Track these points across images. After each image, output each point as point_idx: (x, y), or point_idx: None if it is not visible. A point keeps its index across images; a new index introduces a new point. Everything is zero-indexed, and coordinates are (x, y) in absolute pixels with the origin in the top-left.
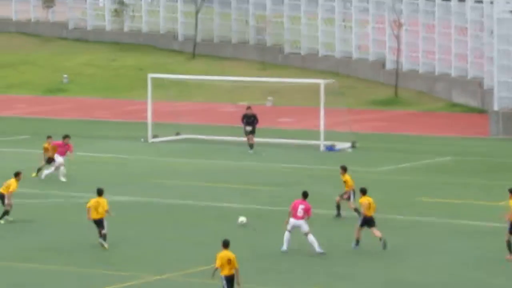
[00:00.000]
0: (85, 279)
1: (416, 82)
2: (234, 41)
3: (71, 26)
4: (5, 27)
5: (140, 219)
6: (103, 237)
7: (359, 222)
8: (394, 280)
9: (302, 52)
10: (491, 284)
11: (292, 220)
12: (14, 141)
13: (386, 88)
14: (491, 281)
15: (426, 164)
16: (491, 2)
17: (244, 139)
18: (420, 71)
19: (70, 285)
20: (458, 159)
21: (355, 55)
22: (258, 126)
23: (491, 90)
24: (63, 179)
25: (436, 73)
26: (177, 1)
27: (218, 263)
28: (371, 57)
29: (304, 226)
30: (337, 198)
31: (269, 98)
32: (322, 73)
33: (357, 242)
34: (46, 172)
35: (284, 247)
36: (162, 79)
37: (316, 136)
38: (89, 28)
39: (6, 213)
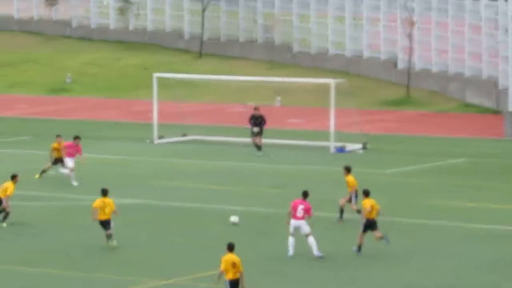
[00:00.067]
0: (88, 283)
1: (428, 82)
2: (241, 40)
3: (74, 24)
4: (7, 25)
5: (145, 222)
6: (109, 236)
7: (361, 227)
8: (402, 283)
9: (312, 51)
10: None
11: (292, 221)
12: (15, 142)
13: (397, 88)
14: (508, 285)
15: (439, 166)
16: (506, 0)
17: (250, 140)
18: (433, 70)
19: None
20: (472, 161)
21: (366, 54)
22: (266, 127)
23: (506, 90)
24: (75, 183)
25: (449, 73)
26: None
27: (222, 267)
28: (382, 56)
29: (305, 227)
30: (341, 201)
31: (278, 98)
32: (332, 73)
33: (359, 248)
34: (62, 171)
35: (290, 252)
36: (168, 78)
37: (326, 137)
38: (93, 26)
39: (6, 216)
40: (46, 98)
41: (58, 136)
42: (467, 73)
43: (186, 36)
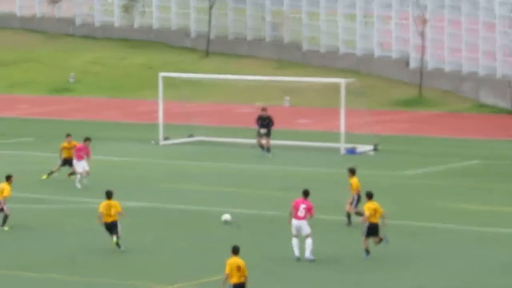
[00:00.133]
0: None
1: (441, 82)
2: (249, 38)
3: (78, 22)
4: (9, 23)
5: (150, 226)
6: (117, 242)
7: (364, 232)
8: (412, 287)
9: (321, 50)
10: None
11: (294, 221)
12: (17, 143)
13: (409, 87)
14: None
15: (452, 168)
16: None
17: (255, 141)
18: (446, 69)
19: None
20: (486, 162)
21: (377, 52)
22: (273, 128)
23: None
24: (78, 185)
25: (463, 72)
26: None
27: (227, 270)
28: (394, 55)
29: (306, 228)
30: (347, 206)
31: (287, 98)
32: (342, 72)
33: (367, 252)
34: (83, 180)
35: (296, 253)
36: (174, 78)
37: (336, 138)
38: (97, 24)
39: (6, 218)
40: (49, 98)
41: (68, 135)
42: (481, 72)
43: (193, 34)
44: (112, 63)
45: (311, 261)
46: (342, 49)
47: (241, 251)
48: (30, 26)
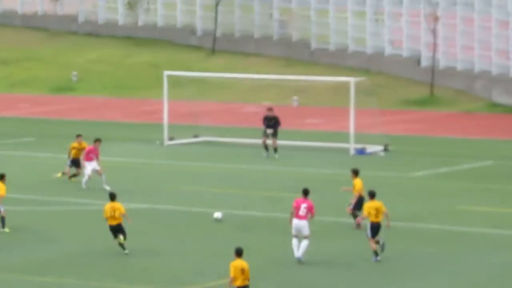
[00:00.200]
0: None
1: (453, 80)
2: (256, 36)
3: (81, 19)
4: (10, 21)
5: (155, 228)
6: (123, 245)
7: (368, 233)
8: None
9: (331, 48)
10: None
11: (295, 221)
12: (17, 143)
13: (421, 86)
14: None
15: (464, 169)
16: None
17: (261, 141)
18: (458, 68)
19: None
20: (500, 163)
21: (387, 51)
22: (280, 128)
23: None
24: (84, 186)
25: (476, 71)
26: None
27: (232, 273)
28: (405, 53)
29: (306, 229)
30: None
31: (295, 97)
32: (352, 71)
33: (376, 254)
34: (105, 187)
35: (296, 254)
36: (179, 77)
37: (345, 138)
38: (100, 21)
39: (3, 220)
40: (50, 97)
41: (78, 135)
42: (494, 71)
43: (199, 32)
44: (116, 61)
45: (300, 261)
46: (352, 47)
47: (248, 253)
48: (32, 24)
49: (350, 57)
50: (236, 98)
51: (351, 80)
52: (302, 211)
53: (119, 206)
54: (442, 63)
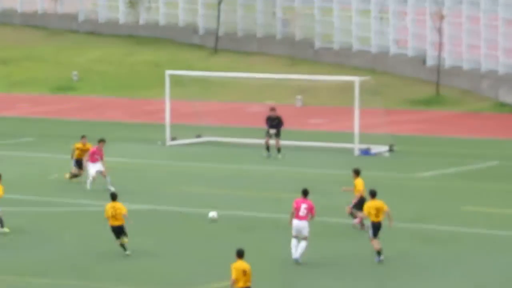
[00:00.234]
0: None
1: (459, 80)
2: (259, 35)
3: (81, 18)
4: (10, 19)
5: (156, 230)
6: (124, 246)
7: (370, 233)
8: None
9: (335, 47)
10: None
11: (295, 222)
12: (17, 144)
13: (426, 86)
14: None
15: (471, 169)
16: None
17: (263, 141)
18: (464, 67)
19: None
20: (506, 163)
21: (392, 50)
22: (284, 128)
23: None
24: (88, 187)
25: (482, 70)
26: None
27: (234, 275)
28: (410, 52)
29: (306, 230)
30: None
31: (298, 97)
32: (356, 70)
33: (379, 254)
34: (110, 187)
35: (294, 255)
36: (181, 76)
37: (349, 138)
38: (101, 20)
39: (1, 220)
40: (51, 97)
41: (83, 136)
42: (501, 70)
43: (201, 31)
44: (117, 60)
45: (297, 262)
46: (356, 46)
47: (251, 255)
48: (32, 22)
49: (354, 56)
50: (239, 97)
51: (356, 79)
52: (302, 211)
53: (120, 206)
54: (448, 62)
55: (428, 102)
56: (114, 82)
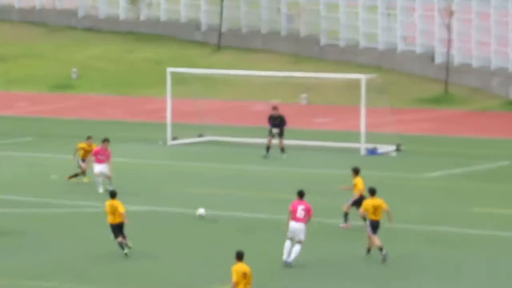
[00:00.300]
0: None
1: (469, 78)
2: (264, 31)
3: (80, 14)
4: (7, 15)
5: (157, 231)
6: (122, 245)
7: (368, 229)
8: None
9: (341, 44)
10: None
11: (292, 224)
12: (15, 143)
13: (435, 84)
14: None
15: (481, 169)
16: None
17: (266, 141)
18: (474, 65)
19: None
20: None
21: (400, 47)
22: (288, 127)
23: None
24: (100, 190)
25: (492, 67)
26: None
27: (234, 278)
28: (418, 49)
29: (302, 233)
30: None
31: (303, 95)
32: (363, 67)
33: (381, 249)
34: (108, 187)
35: (285, 257)
36: (183, 74)
37: (356, 138)
38: (101, 16)
39: None
40: (49, 96)
41: (89, 137)
42: (511, 67)
43: (203, 27)
44: (117, 58)
45: (289, 265)
46: (363, 43)
47: (252, 257)
48: (30, 19)
49: (361, 53)
50: (242, 96)
51: (362, 77)
52: (300, 213)
53: (118, 204)
54: (457, 59)
55: (436, 100)
56: (114, 80)
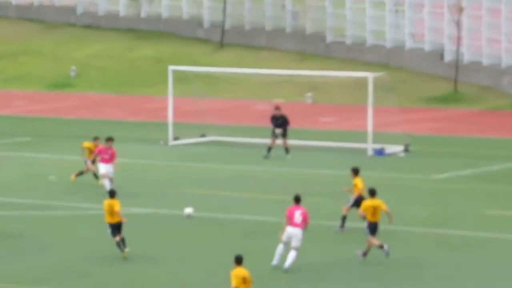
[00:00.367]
0: None
1: (479, 76)
2: (268, 29)
3: (79, 10)
4: (4, 12)
5: (158, 234)
6: (119, 243)
7: (367, 232)
8: None
9: (347, 41)
10: None
11: (289, 229)
12: (12, 143)
13: (444, 82)
14: None
15: (490, 170)
16: None
17: (269, 141)
18: (484, 63)
19: None
20: None
21: (408, 44)
22: (293, 127)
23: None
24: (108, 188)
25: (503, 65)
26: None
27: (233, 283)
28: (427, 47)
29: (298, 239)
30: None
31: (309, 94)
32: (370, 65)
33: (381, 247)
34: (105, 182)
35: (275, 262)
36: (185, 72)
37: (363, 138)
38: (100, 13)
39: None
40: (47, 94)
41: (96, 138)
42: None
43: (206, 24)
44: (117, 55)
45: (285, 270)
46: (370, 41)
47: (254, 260)
48: (27, 15)
49: (368, 51)
50: (246, 95)
51: (369, 75)
52: (298, 218)
53: (115, 203)
54: (467, 57)
55: (445, 99)
56: (114, 78)
